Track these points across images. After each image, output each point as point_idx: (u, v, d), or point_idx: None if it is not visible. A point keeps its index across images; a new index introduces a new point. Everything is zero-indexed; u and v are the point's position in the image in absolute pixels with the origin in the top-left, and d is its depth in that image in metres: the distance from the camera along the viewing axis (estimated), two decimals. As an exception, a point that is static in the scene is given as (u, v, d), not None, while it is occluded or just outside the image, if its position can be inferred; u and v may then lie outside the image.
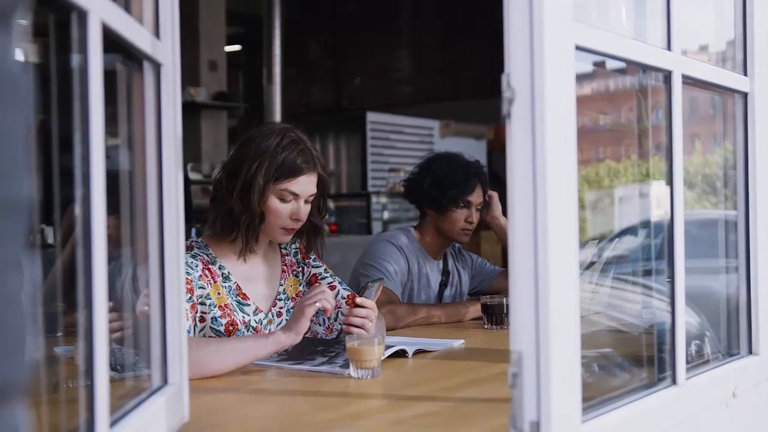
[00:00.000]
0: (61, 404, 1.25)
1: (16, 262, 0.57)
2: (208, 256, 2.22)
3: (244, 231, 2.20)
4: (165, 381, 1.39)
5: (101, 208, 1.03)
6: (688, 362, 1.56)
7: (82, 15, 1.01)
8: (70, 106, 1.04)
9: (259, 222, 2.21)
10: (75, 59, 1.03)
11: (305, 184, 2.22)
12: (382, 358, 1.93)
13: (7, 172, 0.56)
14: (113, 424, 1.11)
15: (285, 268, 2.39)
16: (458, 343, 2.35)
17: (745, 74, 1.82)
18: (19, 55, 0.59)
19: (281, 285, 2.36)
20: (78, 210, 1.03)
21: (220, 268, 2.24)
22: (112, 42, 1.12)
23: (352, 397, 1.76)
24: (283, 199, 2.20)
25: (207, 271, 2.18)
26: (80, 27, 1.01)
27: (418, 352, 2.18)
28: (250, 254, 2.27)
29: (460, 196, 2.99)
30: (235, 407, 1.71)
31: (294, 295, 2.37)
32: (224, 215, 2.21)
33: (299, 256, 2.43)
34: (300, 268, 2.42)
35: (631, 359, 1.74)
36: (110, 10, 1.09)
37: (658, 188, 1.88)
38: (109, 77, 1.10)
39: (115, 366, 1.35)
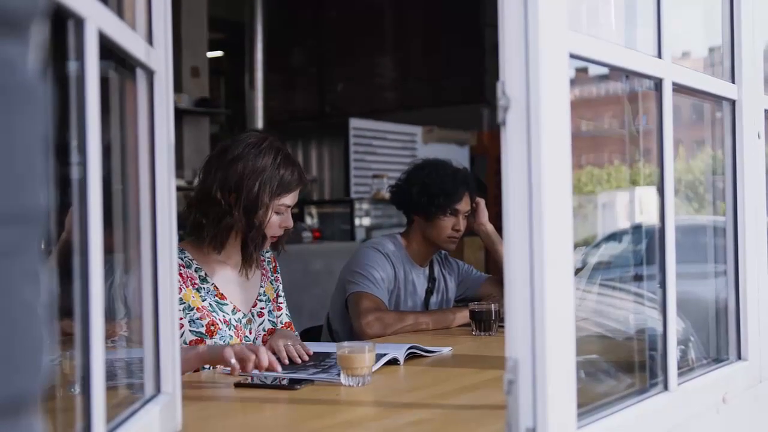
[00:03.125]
0: (51, 413, 1.24)
1: (33, 272, 0.57)
2: (182, 259, 2.25)
3: (254, 248, 2.29)
4: (158, 390, 1.38)
5: (97, 215, 1.03)
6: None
7: (79, 22, 1.00)
8: (66, 112, 1.03)
9: (263, 239, 2.28)
10: (71, 66, 1.02)
11: (296, 196, 2.35)
12: (376, 367, 1.93)
13: (24, 181, 0.56)
14: (108, 433, 1.10)
15: (264, 271, 2.48)
16: (447, 350, 2.36)
17: (733, 81, 1.83)
18: (35, 66, 0.58)
19: (261, 287, 2.44)
20: (75, 217, 1.02)
21: (196, 271, 2.29)
22: (106, 49, 1.12)
23: (344, 405, 1.75)
24: (278, 213, 2.31)
25: (178, 276, 2.20)
26: (77, 34, 1.00)
27: (411, 357, 2.19)
28: (248, 267, 2.35)
29: (449, 204, 2.99)
30: (227, 416, 1.70)
31: (272, 299, 2.46)
32: (225, 231, 2.26)
33: (271, 267, 2.53)
34: (274, 277, 2.53)
35: (620, 365, 1.75)
36: (107, 18, 1.08)
37: (641, 194, 1.89)
38: (102, 84, 1.09)
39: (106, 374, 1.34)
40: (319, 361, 2.14)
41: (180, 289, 2.20)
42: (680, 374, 1.58)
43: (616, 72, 1.61)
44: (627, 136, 1.90)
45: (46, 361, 0.58)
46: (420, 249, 3.10)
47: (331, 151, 8.45)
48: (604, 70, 1.59)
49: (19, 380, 0.55)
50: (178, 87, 7.34)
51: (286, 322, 2.46)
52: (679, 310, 1.65)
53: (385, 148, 8.24)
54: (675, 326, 1.55)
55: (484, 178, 7.79)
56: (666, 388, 1.53)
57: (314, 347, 2.27)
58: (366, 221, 7.53)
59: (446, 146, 8.27)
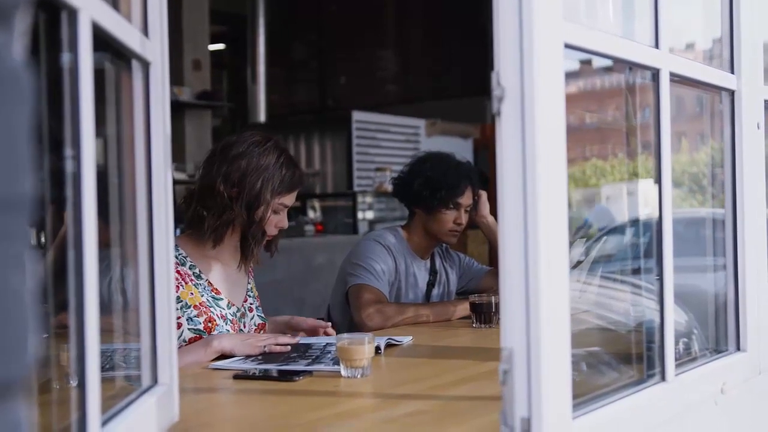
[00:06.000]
0: (48, 405, 1.25)
1: (20, 258, 0.57)
2: (177, 257, 2.26)
3: (254, 243, 2.32)
4: (155, 381, 1.38)
5: (92, 208, 1.03)
6: (676, 359, 1.57)
7: (72, 13, 1.00)
8: (60, 104, 1.03)
9: (262, 234, 2.30)
10: (64, 58, 1.02)
11: (294, 197, 2.38)
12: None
13: (10, 169, 0.56)
14: (104, 423, 1.11)
15: (250, 269, 2.51)
16: (407, 340, 2.38)
17: (732, 72, 1.83)
18: (20, 54, 0.59)
19: (249, 283, 2.48)
20: (68, 211, 1.02)
21: (190, 268, 2.31)
22: (101, 40, 1.12)
23: (342, 397, 1.75)
24: (275, 212, 2.33)
25: (176, 274, 2.22)
26: (70, 25, 1.00)
27: (389, 346, 2.24)
28: (247, 262, 2.38)
29: (451, 198, 2.99)
30: (225, 407, 1.71)
31: (256, 296, 2.51)
32: (224, 225, 2.29)
33: (252, 266, 2.54)
34: (254, 276, 2.56)
35: (620, 357, 1.75)
36: (100, 9, 1.08)
37: (644, 187, 1.89)
38: (97, 76, 1.09)
39: (104, 366, 1.35)
40: (303, 352, 2.14)
41: (178, 287, 2.22)
42: (678, 365, 1.58)
43: (620, 64, 1.60)
44: (634, 128, 1.90)
45: (32, 348, 0.59)
46: (421, 242, 3.10)
47: (334, 144, 8.44)
48: (609, 62, 1.58)
49: (4, 365, 0.55)
50: (179, 80, 7.35)
51: (259, 324, 2.47)
52: (682, 303, 1.65)
53: (388, 141, 8.23)
54: (672, 317, 1.55)
55: (488, 171, 7.79)
56: (663, 378, 1.53)
57: (302, 339, 2.30)
58: (369, 215, 7.53)
59: (449, 139, 8.26)
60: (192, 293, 2.26)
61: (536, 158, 1.16)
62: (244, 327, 2.38)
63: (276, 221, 2.34)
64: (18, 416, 0.56)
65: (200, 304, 2.26)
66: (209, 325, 2.24)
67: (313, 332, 2.42)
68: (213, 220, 2.27)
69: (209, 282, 2.32)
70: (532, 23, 1.16)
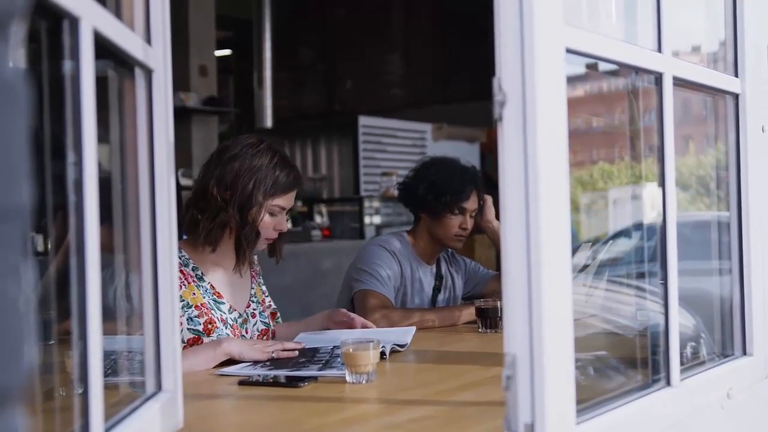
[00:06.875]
0: (53, 411, 1.25)
1: (15, 268, 0.57)
2: (180, 258, 2.27)
3: (247, 245, 2.32)
4: (159, 387, 1.38)
5: (94, 215, 1.03)
6: (683, 364, 1.57)
7: (74, 22, 1.00)
8: (62, 112, 1.04)
9: (256, 236, 2.30)
10: (66, 65, 1.03)
11: (292, 198, 2.37)
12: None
13: (6, 178, 0.56)
14: (108, 430, 1.11)
15: (253, 274, 2.51)
16: (411, 332, 2.40)
17: (736, 75, 1.82)
18: (16, 63, 0.59)
19: (252, 289, 2.48)
20: (71, 217, 1.02)
21: (193, 270, 2.32)
22: (103, 48, 1.12)
23: (347, 402, 1.75)
24: (272, 214, 2.33)
25: (180, 273, 2.23)
26: (72, 33, 1.01)
27: (394, 352, 2.23)
28: (242, 265, 2.37)
29: (456, 203, 2.99)
30: (229, 414, 1.71)
31: (260, 301, 2.49)
32: (219, 228, 2.29)
33: (258, 269, 2.56)
34: (260, 279, 2.56)
35: (626, 361, 1.74)
36: (102, 17, 1.09)
37: (651, 190, 1.88)
38: (100, 83, 1.10)
39: (107, 371, 1.35)
40: (311, 357, 2.14)
41: (180, 286, 2.22)
42: (684, 370, 1.58)
43: (624, 67, 1.60)
44: (638, 131, 1.90)
45: (28, 356, 0.59)
46: (427, 247, 3.09)
47: (341, 149, 8.44)
48: (615, 66, 1.58)
49: (1, 375, 0.55)
50: (185, 86, 7.35)
51: (262, 329, 2.47)
52: (689, 307, 1.64)
53: (395, 146, 8.23)
54: (677, 321, 1.54)
55: (495, 176, 7.77)
56: (669, 383, 1.53)
57: (308, 344, 2.29)
58: (376, 219, 7.53)
59: (456, 143, 8.26)
60: (194, 293, 2.27)
61: (538, 163, 1.16)
62: (246, 333, 2.37)
63: (274, 224, 2.33)
64: (15, 424, 0.57)
65: (201, 305, 2.27)
66: (209, 326, 2.25)
67: (350, 325, 2.46)
68: (207, 223, 2.28)
69: (212, 285, 2.32)
70: (533, 28, 1.16)
